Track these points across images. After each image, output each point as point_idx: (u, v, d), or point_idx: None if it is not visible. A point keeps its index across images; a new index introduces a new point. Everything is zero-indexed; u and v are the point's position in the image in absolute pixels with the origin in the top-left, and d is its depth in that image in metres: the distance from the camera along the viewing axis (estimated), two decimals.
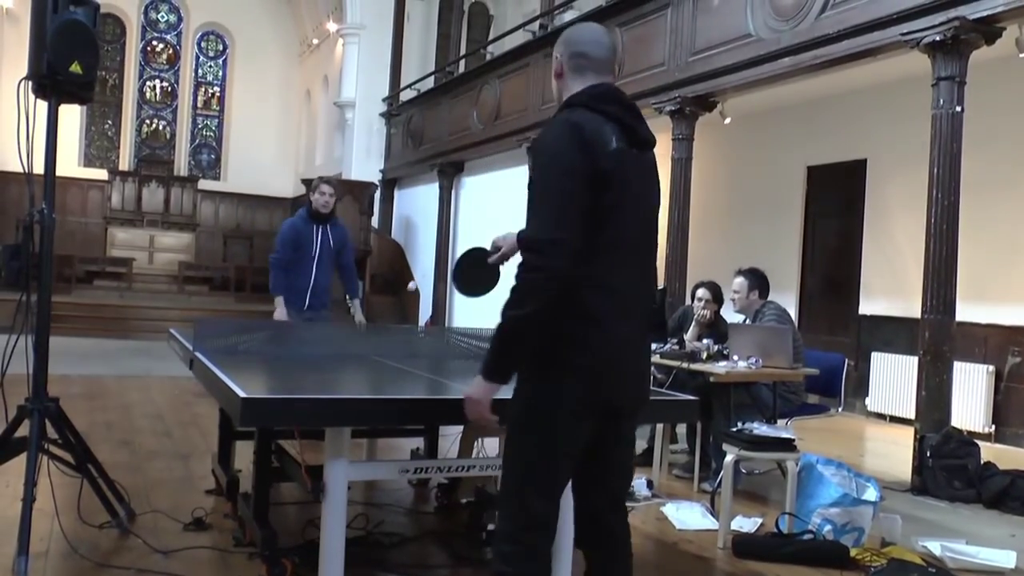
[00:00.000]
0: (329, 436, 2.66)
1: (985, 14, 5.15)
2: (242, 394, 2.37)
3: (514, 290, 2.05)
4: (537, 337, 2.07)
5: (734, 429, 4.10)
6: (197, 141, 19.53)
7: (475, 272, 2.87)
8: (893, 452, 6.73)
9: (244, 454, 4.25)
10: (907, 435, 7.20)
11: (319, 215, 6.05)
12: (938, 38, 5.29)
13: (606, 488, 2.31)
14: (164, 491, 4.30)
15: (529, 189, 2.16)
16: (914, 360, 7.64)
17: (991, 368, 7.49)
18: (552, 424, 2.11)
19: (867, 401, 8.61)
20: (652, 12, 8.22)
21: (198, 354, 3.36)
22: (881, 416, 8.49)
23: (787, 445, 3.93)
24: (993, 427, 7.47)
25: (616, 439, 2.28)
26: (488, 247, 2.75)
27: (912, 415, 7.62)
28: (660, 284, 7.13)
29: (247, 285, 16.57)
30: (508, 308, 2.05)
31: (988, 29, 5.29)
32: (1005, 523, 4.73)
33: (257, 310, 13.26)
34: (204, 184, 18.81)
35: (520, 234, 2.76)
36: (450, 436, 4.57)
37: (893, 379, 8.35)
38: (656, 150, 2.34)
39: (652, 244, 2.32)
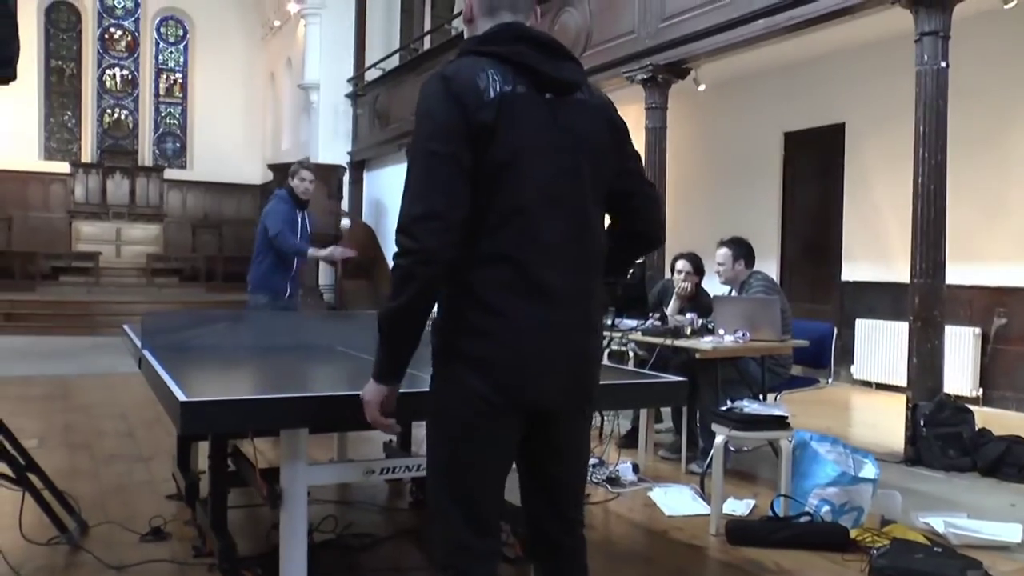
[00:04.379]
0: (284, 438, 2.42)
1: None
2: (182, 397, 2.13)
3: (391, 279, 1.79)
4: (420, 329, 1.82)
5: (723, 408, 3.89)
6: (161, 130, 19.06)
7: None
8: (882, 421, 6.58)
9: (206, 454, 4.02)
10: (895, 403, 7.07)
11: (301, 201, 5.81)
12: None
13: (549, 501, 1.99)
14: (122, 498, 4.04)
15: None
16: (899, 325, 7.53)
17: (977, 331, 7.35)
18: (456, 427, 1.84)
19: (852, 369, 8.46)
20: None
21: (145, 352, 3.11)
22: (867, 384, 8.35)
23: (780, 423, 3.72)
24: (980, 391, 7.35)
25: (553, 447, 1.95)
26: None
27: (899, 382, 7.52)
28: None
29: (218, 275, 16.27)
30: (387, 300, 1.80)
31: None
32: (1003, 491, 4.57)
33: (229, 300, 12.96)
34: (170, 173, 18.38)
35: None
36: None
37: (879, 346, 8.21)
38: (629, 120, 2.06)
39: (588, 202, 1.91)
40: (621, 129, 2.02)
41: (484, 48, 1.85)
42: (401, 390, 1.95)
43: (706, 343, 4.56)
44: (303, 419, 2.27)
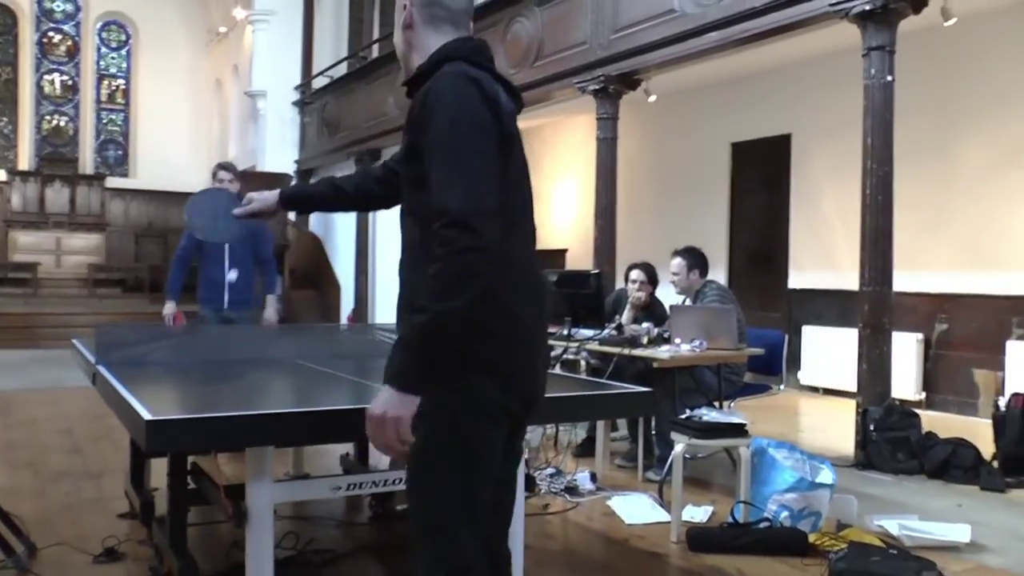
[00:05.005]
0: (250, 456, 2.38)
1: None
2: (147, 416, 2.08)
3: (441, 276, 1.64)
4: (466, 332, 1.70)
5: (683, 416, 3.94)
6: (103, 137, 18.65)
7: (215, 216, 2.71)
8: (831, 426, 6.71)
9: (160, 471, 3.93)
10: (842, 408, 7.22)
11: None
12: (868, 7, 5.20)
13: (499, 506, 1.93)
14: (72, 517, 3.94)
15: (409, 158, 1.83)
16: (846, 332, 7.69)
17: (920, 336, 7.55)
18: (470, 437, 1.75)
19: (800, 375, 8.61)
20: None
21: (100, 368, 3.03)
22: (814, 389, 8.51)
23: (739, 431, 3.78)
24: (923, 395, 7.54)
25: (513, 446, 1.96)
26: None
27: (846, 387, 7.67)
28: (594, 268, 6.95)
29: (163, 286, 15.90)
30: (437, 299, 1.64)
31: None
32: (950, 493, 4.70)
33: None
34: (112, 182, 17.97)
35: (286, 192, 2.46)
36: None
37: (825, 352, 8.37)
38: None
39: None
40: None
41: (479, 60, 1.87)
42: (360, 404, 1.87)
43: (663, 352, 4.61)
44: (272, 436, 2.23)
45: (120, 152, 18.75)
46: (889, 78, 5.20)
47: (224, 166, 5.73)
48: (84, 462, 5.13)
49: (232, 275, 5.55)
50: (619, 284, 6.39)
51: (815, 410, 7.79)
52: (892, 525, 3.69)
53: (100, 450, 5.43)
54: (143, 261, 17.27)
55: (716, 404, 4.75)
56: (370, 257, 12.50)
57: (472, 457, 1.77)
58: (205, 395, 2.89)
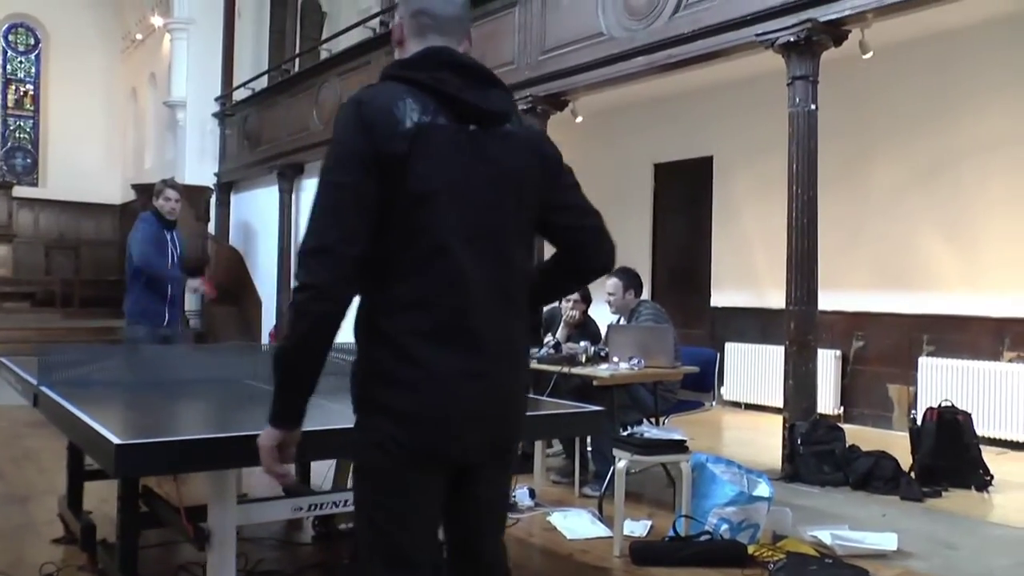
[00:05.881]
0: (212, 478, 2.38)
1: (833, 17, 5.35)
2: (116, 440, 2.06)
3: (289, 314, 1.70)
4: (316, 370, 1.71)
5: (624, 433, 4.04)
6: (10, 144, 17.92)
7: None
8: (755, 439, 6.92)
9: (95, 494, 3.84)
10: (765, 422, 7.46)
11: (168, 221, 5.61)
12: (792, 39, 5.44)
13: (473, 551, 1.89)
14: (3, 545, 3.80)
15: None
16: (768, 348, 7.98)
17: (838, 353, 7.86)
18: (379, 479, 1.74)
19: (723, 391, 8.84)
20: (499, 9, 8.12)
21: (45, 389, 2.97)
22: (737, 404, 8.75)
23: (679, 447, 3.90)
24: (842, 409, 7.85)
25: (477, 498, 1.85)
26: None
27: (768, 402, 7.95)
28: None
29: (75, 299, 15.37)
30: (281, 338, 1.73)
31: (836, 32, 5.51)
32: (874, 503, 4.92)
33: (91, 327, 12.36)
34: (20, 191, 17.26)
35: None
36: (325, 460, 4.30)
37: (746, 368, 8.63)
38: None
39: (511, 239, 1.83)
40: (553, 161, 1.96)
41: (404, 74, 1.77)
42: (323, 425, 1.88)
43: (603, 370, 4.71)
44: (240, 458, 2.23)
45: (29, 160, 18.07)
46: (812, 107, 5.45)
47: (172, 184, 5.66)
48: (7, 486, 4.95)
49: (171, 293, 5.49)
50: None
51: (739, 425, 8.02)
52: (825, 535, 3.86)
53: (23, 473, 5.25)
54: (54, 274, 16.62)
55: (652, 420, 4.88)
56: (292, 273, 12.34)
57: (381, 497, 1.75)
58: (165, 417, 2.86)
